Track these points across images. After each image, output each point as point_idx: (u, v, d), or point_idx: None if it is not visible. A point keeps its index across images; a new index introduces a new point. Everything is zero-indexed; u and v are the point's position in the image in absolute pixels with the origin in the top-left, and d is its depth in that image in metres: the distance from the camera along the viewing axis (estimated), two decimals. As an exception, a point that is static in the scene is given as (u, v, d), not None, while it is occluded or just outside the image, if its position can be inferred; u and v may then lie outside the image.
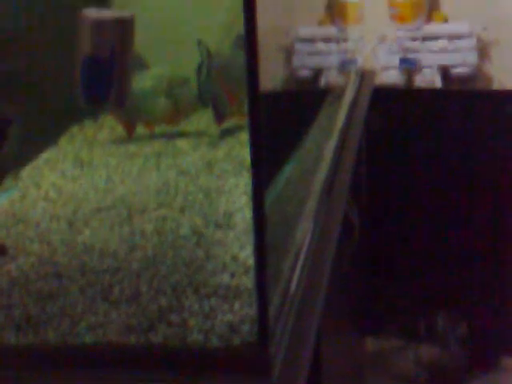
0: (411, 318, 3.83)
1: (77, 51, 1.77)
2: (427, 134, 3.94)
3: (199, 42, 2.65)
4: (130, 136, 2.72)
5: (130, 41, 1.79)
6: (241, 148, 2.59)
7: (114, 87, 1.77)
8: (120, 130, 2.83)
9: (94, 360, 1.62)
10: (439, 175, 3.96)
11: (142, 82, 2.71)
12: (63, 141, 2.78)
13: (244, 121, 2.75)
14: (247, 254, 1.92)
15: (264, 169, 1.54)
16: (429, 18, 4.79)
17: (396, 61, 4.76)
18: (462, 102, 4.01)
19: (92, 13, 1.73)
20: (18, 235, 2.11)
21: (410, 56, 4.77)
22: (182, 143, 2.70)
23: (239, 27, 2.78)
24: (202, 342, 1.62)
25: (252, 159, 1.51)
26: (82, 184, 2.42)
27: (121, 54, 1.77)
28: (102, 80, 1.76)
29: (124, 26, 1.79)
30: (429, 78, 4.59)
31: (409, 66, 4.78)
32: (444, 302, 3.84)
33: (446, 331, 3.79)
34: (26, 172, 2.52)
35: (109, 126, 2.88)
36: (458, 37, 4.73)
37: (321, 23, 4.16)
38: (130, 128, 2.72)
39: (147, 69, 2.72)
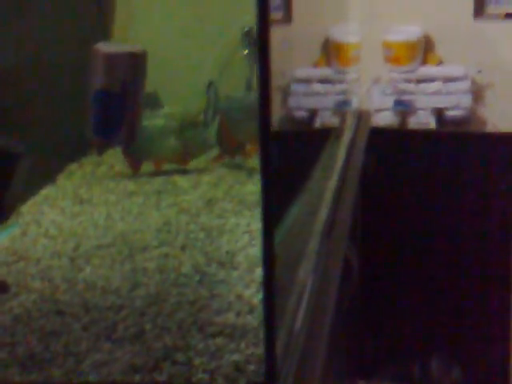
0: (405, 361, 3.81)
1: (88, 84, 1.76)
2: (421, 175, 3.95)
3: (210, 84, 2.66)
4: (134, 173, 2.72)
5: (142, 75, 1.78)
6: (240, 187, 2.59)
7: (125, 122, 1.76)
8: (119, 167, 2.82)
9: (99, 399, 1.60)
10: (432, 217, 3.97)
11: (154, 120, 2.71)
12: (62, 178, 2.77)
13: (241, 161, 2.76)
14: (252, 293, 1.91)
15: (273, 208, 1.54)
16: (423, 60, 4.83)
17: (390, 102, 4.78)
18: (455, 144, 4.04)
19: (104, 46, 1.73)
20: (20, 272, 2.10)
21: (405, 98, 4.80)
22: (181, 181, 2.70)
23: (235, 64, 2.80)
24: (207, 381, 1.60)
25: (262, 198, 1.51)
26: (81, 221, 2.42)
27: (133, 88, 1.76)
28: (113, 114, 1.76)
29: (136, 60, 1.79)
30: (423, 120, 4.62)
31: (403, 108, 4.80)
32: (438, 346, 3.83)
33: (441, 375, 3.78)
34: (26, 208, 2.51)
35: (107, 163, 2.88)
36: (453, 79, 4.76)
37: (316, 64, 4.19)
38: (135, 165, 2.71)
39: (161, 107, 2.73)
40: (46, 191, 2.65)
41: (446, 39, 4.90)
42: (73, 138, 2.82)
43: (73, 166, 2.86)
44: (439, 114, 4.62)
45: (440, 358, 3.71)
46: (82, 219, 2.43)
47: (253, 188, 2.59)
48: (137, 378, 1.62)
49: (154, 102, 2.67)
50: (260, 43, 1.44)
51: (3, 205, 1.86)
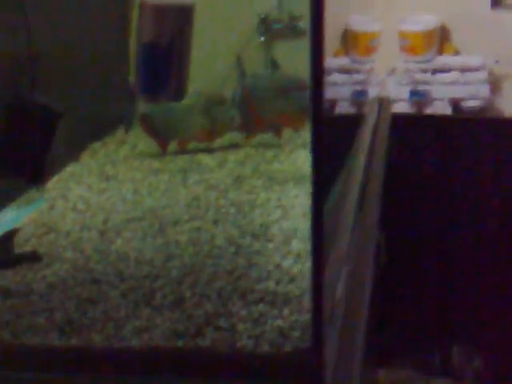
0: (426, 350, 3.77)
1: (136, 40, 1.72)
2: (441, 159, 3.91)
3: (238, 59, 2.63)
4: (162, 151, 2.68)
5: (190, 29, 1.74)
6: (267, 165, 2.55)
7: (174, 77, 1.72)
8: (142, 146, 2.79)
9: (142, 364, 1.57)
10: (453, 202, 3.92)
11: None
12: (85, 156, 2.74)
13: (268, 138, 2.73)
14: (290, 263, 1.88)
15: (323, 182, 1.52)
16: (440, 50, 4.79)
17: (406, 93, 4.74)
18: (475, 128, 3.99)
19: (152, 0, 1.69)
20: (50, 244, 2.07)
21: (421, 88, 4.76)
22: (207, 160, 2.66)
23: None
24: (252, 347, 1.56)
25: (313, 176, 1.48)
26: (109, 196, 2.39)
27: (181, 42, 1.72)
28: (161, 68, 1.71)
29: (185, 13, 1.74)
30: (439, 111, 4.57)
31: (419, 99, 4.77)
32: (460, 336, 3.79)
33: (462, 364, 3.74)
34: (52, 184, 2.47)
35: (130, 142, 2.84)
36: (470, 69, 4.72)
37: (336, 54, 4.15)
38: (164, 143, 2.68)
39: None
40: (71, 168, 2.62)
41: (462, 29, 4.86)
42: (96, 116, 2.80)
43: (96, 145, 2.82)
44: (456, 104, 4.57)
45: (461, 346, 3.67)
46: (110, 195, 2.40)
47: (281, 165, 2.55)
48: (179, 343, 1.58)
49: None
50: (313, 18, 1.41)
51: (44, 164, 1.83)
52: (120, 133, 2.93)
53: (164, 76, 1.73)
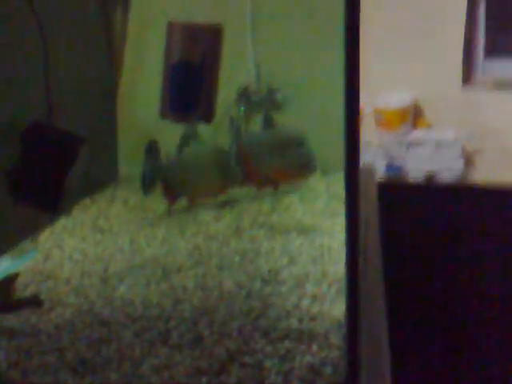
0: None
1: (165, 59, 1.67)
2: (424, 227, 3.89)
3: (232, 120, 2.60)
4: (170, 206, 2.60)
5: (219, 49, 1.69)
6: (266, 217, 2.50)
7: (203, 97, 1.66)
8: (132, 202, 2.72)
9: (164, 401, 1.47)
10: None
11: (196, 154, 2.63)
12: (76, 211, 2.66)
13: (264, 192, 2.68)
14: (308, 304, 1.81)
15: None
16: (413, 125, 4.83)
17: (382, 167, 4.76)
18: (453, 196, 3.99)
19: (181, 20, 1.65)
20: (50, 290, 1.97)
21: (396, 162, 4.78)
22: (202, 215, 2.60)
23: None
24: (281, 383, 1.48)
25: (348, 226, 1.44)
26: (105, 247, 2.30)
27: (211, 61, 1.67)
28: (191, 88, 1.65)
29: (216, 33, 1.70)
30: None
31: (395, 172, 4.78)
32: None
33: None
34: (44, 237, 2.39)
35: (121, 198, 2.77)
36: (444, 144, 4.76)
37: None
38: (172, 199, 2.60)
39: (197, 139, 2.64)
40: (63, 222, 2.53)
41: (435, 105, 4.91)
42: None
43: (86, 201, 2.75)
44: (430, 178, 4.59)
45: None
46: (106, 245, 2.32)
47: (280, 218, 2.50)
48: (203, 380, 1.50)
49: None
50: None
51: (65, 186, 1.75)
52: (109, 190, 2.86)
53: (192, 95, 1.67)
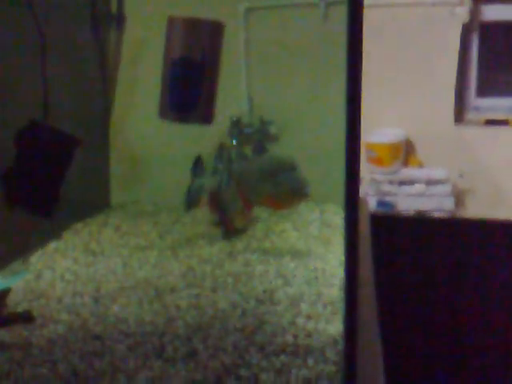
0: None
1: (165, 55, 1.65)
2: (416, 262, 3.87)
3: (221, 147, 2.59)
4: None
5: (220, 46, 1.68)
6: (259, 242, 2.49)
7: (204, 96, 1.64)
8: (125, 227, 2.70)
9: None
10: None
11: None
12: (67, 235, 2.64)
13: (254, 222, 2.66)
14: (303, 322, 1.79)
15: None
16: (405, 163, 4.85)
17: (373, 203, 4.76)
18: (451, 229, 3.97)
19: (182, 15, 1.63)
20: (42, 307, 1.95)
21: (387, 199, 4.79)
22: (195, 239, 2.59)
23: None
24: (277, 396, 1.46)
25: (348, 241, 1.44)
26: (97, 269, 2.28)
27: (212, 59, 1.65)
28: (191, 85, 1.64)
29: (217, 29, 1.68)
30: (407, 219, 4.58)
31: (386, 209, 4.79)
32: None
33: None
34: (35, 258, 2.37)
35: (112, 223, 2.76)
36: (435, 182, 4.77)
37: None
38: (229, 221, 2.59)
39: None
40: (54, 245, 2.51)
41: (426, 143, 4.94)
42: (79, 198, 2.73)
43: (78, 225, 2.73)
44: (422, 216, 4.60)
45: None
46: (98, 267, 2.30)
47: (272, 244, 2.49)
48: (198, 392, 1.47)
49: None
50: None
51: (60, 189, 1.72)
52: (101, 215, 2.84)
53: (193, 93, 1.66)
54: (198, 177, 2.53)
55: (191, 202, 2.52)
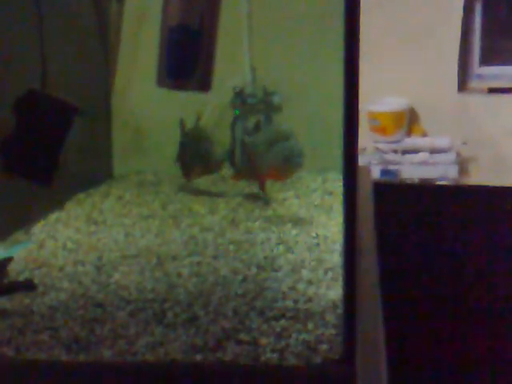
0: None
1: (162, 22, 1.64)
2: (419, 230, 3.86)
3: (234, 119, 2.59)
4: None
5: (218, 13, 1.67)
6: (261, 210, 2.49)
7: (201, 63, 1.64)
8: (128, 196, 2.71)
9: (158, 378, 1.46)
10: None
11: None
12: (70, 205, 2.64)
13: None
14: (304, 287, 1.80)
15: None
16: (408, 132, 4.83)
17: (377, 172, 4.76)
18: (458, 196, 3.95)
19: None
20: (44, 276, 1.96)
21: (391, 168, 4.78)
22: (197, 207, 2.59)
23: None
24: (277, 360, 1.47)
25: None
26: (99, 238, 2.29)
27: (209, 24, 1.64)
28: (188, 53, 1.63)
29: None
30: (410, 189, 4.58)
31: (389, 178, 4.79)
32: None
33: None
34: (38, 228, 2.37)
35: (115, 194, 2.76)
36: (439, 151, 4.76)
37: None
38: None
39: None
40: (56, 215, 2.52)
41: (430, 112, 4.92)
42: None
43: (80, 196, 2.73)
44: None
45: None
46: (100, 236, 2.30)
47: (274, 212, 2.49)
48: (198, 357, 1.48)
49: None
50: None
51: (59, 157, 1.73)
52: (104, 186, 2.85)
53: (190, 60, 1.65)
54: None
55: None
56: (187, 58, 1.62)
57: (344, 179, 1.45)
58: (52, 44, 1.97)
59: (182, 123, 2.76)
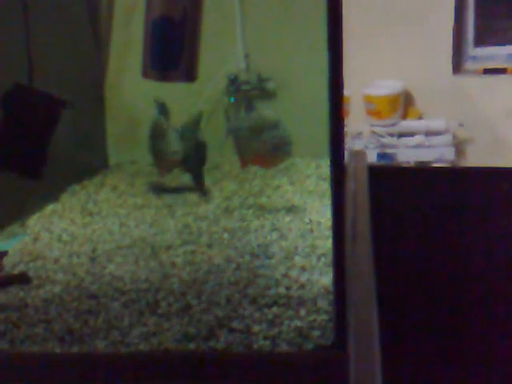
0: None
1: (146, 13, 1.64)
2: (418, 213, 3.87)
3: (226, 109, 2.59)
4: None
5: (201, 4, 1.67)
6: (254, 198, 2.49)
7: (185, 54, 1.64)
8: (123, 187, 2.71)
9: (152, 367, 1.47)
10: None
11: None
12: (65, 197, 2.65)
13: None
14: (296, 274, 1.81)
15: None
16: (404, 115, 4.83)
17: (373, 156, 4.76)
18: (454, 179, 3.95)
19: None
20: (39, 269, 1.97)
21: (387, 151, 4.78)
22: (191, 196, 2.59)
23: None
24: (269, 347, 1.48)
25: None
26: (94, 229, 2.30)
27: (193, 15, 1.64)
28: (172, 44, 1.63)
29: None
30: (407, 171, 4.57)
31: (386, 162, 4.78)
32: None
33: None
34: (33, 221, 2.38)
35: (110, 184, 2.76)
36: (435, 133, 4.76)
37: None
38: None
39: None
40: (52, 207, 2.52)
41: (425, 94, 4.91)
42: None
43: (75, 187, 2.74)
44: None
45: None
46: (95, 228, 2.31)
47: (268, 199, 2.50)
48: (191, 346, 1.49)
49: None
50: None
51: (47, 150, 1.73)
52: (99, 176, 2.85)
53: (174, 52, 1.65)
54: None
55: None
56: (171, 49, 1.62)
57: (331, 165, 1.46)
58: (40, 35, 1.97)
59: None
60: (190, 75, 1.63)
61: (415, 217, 3.61)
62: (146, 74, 1.62)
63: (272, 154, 2.40)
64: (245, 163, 2.46)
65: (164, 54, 1.60)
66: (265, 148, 2.40)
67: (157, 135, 2.61)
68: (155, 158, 2.61)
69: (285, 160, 2.42)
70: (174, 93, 2.81)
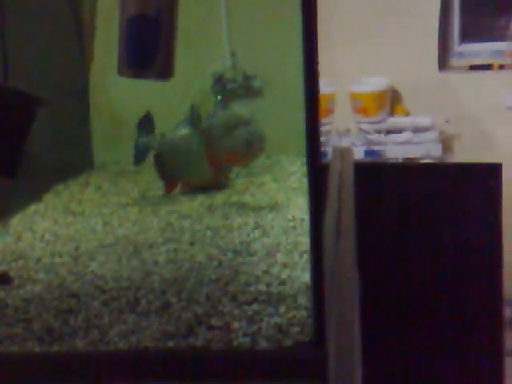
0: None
1: (121, 12, 1.64)
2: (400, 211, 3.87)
3: (192, 107, 2.58)
4: (167, 192, 2.58)
5: (176, 2, 1.66)
6: (238, 196, 2.49)
7: (161, 51, 1.63)
8: (107, 186, 2.71)
9: (131, 365, 1.47)
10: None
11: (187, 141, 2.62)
12: (48, 197, 2.64)
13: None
14: (277, 271, 1.81)
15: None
16: (391, 112, 4.83)
17: (361, 153, 4.76)
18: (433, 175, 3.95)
19: None
20: (21, 268, 1.96)
21: (375, 148, 4.78)
22: (175, 195, 2.59)
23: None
24: (249, 344, 1.48)
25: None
26: (77, 229, 2.29)
27: (168, 13, 1.64)
28: (148, 41, 1.63)
29: None
30: (394, 169, 4.57)
31: (373, 159, 4.79)
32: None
33: None
34: (15, 221, 2.37)
35: (94, 184, 2.76)
36: (422, 129, 4.76)
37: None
38: (171, 186, 2.58)
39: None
40: (34, 207, 2.52)
41: (412, 91, 4.91)
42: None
43: (59, 187, 2.73)
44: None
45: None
46: (78, 227, 2.31)
47: (252, 197, 2.50)
48: (170, 344, 1.49)
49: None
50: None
51: (23, 149, 1.72)
52: (83, 176, 2.85)
53: (150, 49, 1.65)
54: (145, 132, 2.54)
55: (139, 158, 2.54)
56: (145, 47, 1.62)
57: (307, 162, 1.46)
58: (19, 32, 1.96)
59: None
60: (165, 73, 1.62)
61: (402, 214, 3.60)
62: (120, 72, 1.62)
63: (245, 151, 2.41)
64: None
65: (138, 52, 1.59)
66: (237, 144, 2.40)
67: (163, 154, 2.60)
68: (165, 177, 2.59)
69: (258, 156, 2.43)
70: (158, 92, 2.81)
